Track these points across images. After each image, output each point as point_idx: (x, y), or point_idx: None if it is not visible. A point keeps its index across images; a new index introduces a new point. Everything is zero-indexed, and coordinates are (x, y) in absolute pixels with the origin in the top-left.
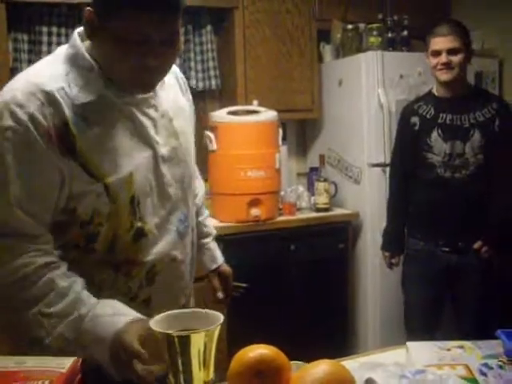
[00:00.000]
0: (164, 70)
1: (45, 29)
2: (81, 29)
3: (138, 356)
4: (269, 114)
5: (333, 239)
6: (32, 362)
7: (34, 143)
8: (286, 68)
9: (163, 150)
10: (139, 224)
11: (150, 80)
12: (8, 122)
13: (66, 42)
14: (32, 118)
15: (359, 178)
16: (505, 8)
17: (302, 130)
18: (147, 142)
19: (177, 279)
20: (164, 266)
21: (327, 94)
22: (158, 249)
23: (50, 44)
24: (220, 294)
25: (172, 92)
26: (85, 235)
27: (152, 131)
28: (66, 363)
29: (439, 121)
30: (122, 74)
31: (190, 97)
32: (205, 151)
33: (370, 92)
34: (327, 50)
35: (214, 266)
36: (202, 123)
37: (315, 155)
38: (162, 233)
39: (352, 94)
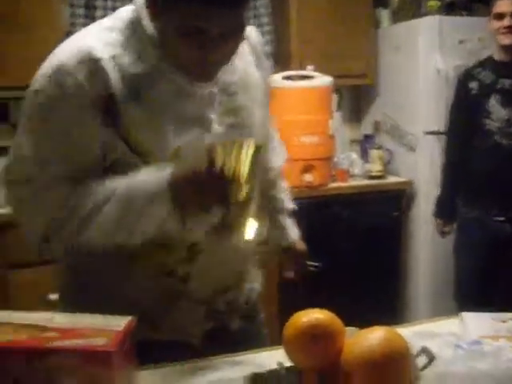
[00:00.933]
0: (223, 63)
1: None
2: (136, 10)
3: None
4: (323, 80)
5: (386, 207)
6: (88, 321)
7: (79, 110)
8: (342, 33)
9: (217, 127)
10: None
11: (208, 72)
12: (54, 88)
13: (122, 6)
14: (79, 86)
15: (414, 145)
16: None
17: (356, 96)
18: (199, 119)
19: (221, 264)
20: (207, 247)
21: (383, 60)
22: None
23: (105, 8)
24: (288, 273)
25: (242, 63)
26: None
27: (206, 108)
28: (121, 322)
29: (498, 86)
30: (181, 61)
31: (267, 64)
32: None
33: (428, 58)
34: (384, 15)
35: (286, 244)
36: None
37: (369, 122)
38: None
39: (408, 60)
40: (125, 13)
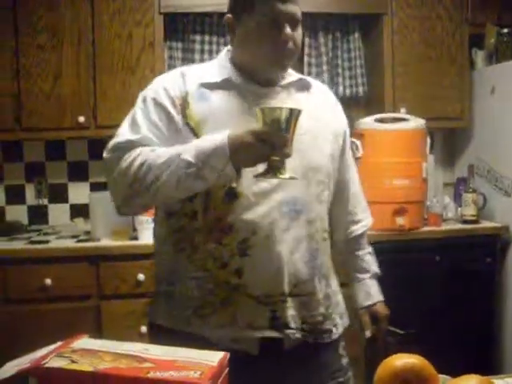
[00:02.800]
0: (296, 51)
1: (198, 37)
2: (228, 49)
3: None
4: (417, 122)
5: (480, 252)
6: (183, 354)
7: (161, 104)
8: (435, 75)
9: None
10: (233, 184)
11: (287, 58)
12: (149, 91)
13: (217, 49)
14: (165, 89)
15: (510, 189)
16: None
17: (449, 138)
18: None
19: (272, 261)
20: (257, 242)
21: (478, 102)
22: (250, 217)
23: (202, 52)
24: (367, 333)
25: (313, 99)
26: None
27: None
28: (215, 357)
29: None
30: (263, 57)
31: (339, 109)
32: None
33: None
34: (479, 56)
35: (367, 303)
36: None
37: (463, 165)
38: (259, 204)
39: (504, 102)
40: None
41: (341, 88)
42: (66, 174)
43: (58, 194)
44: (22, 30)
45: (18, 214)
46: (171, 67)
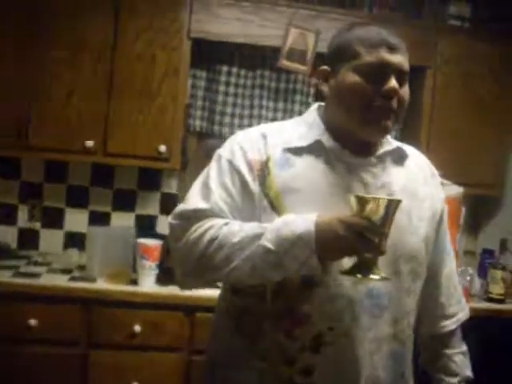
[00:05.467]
0: (401, 111)
1: (225, 68)
2: (319, 104)
3: (361, 222)
4: (453, 190)
5: (505, 335)
6: None
7: (237, 168)
8: (473, 141)
9: None
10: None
11: (389, 118)
12: (224, 151)
13: (244, 83)
14: (243, 150)
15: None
16: None
17: (476, 204)
18: (344, 198)
19: (348, 362)
20: (334, 338)
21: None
22: (328, 309)
23: (227, 84)
24: None
25: (407, 174)
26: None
27: (357, 191)
28: None
29: None
30: (361, 118)
31: (437, 194)
32: None
33: None
34: None
35: None
36: None
37: (490, 235)
38: (340, 296)
39: None
40: (300, 119)
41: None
42: (64, 198)
43: (53, 219)
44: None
45: (7, 235)
46: (194, 97)
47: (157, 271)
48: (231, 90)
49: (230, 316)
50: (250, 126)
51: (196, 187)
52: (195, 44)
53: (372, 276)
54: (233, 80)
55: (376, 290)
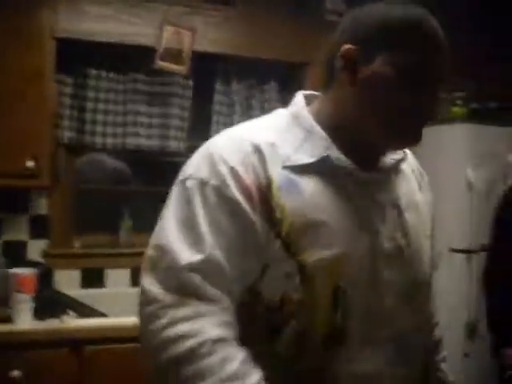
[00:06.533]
0: (432, 120)
1: (93, 71)
2: (306, 92)
3: None
4: None
5: None
6: None
7: (231, 198)
8: None
9: (386, 244)
10: (339, 322)
11: (420, 129)
12: (205, 174)
13: (117, 88)
14: (234, 171)
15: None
16: None
17: None
18: (366, 226)
19: None
20: None
21: None
22: (353, 368)
23: (97, 89)
24: None
25: (405, 183)
26: (270, 325)
27: (376, 217)
28: None
29: None
30: (389, 124)
31: (429, 198)
32: None
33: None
34: None
35: None
36: None
37: None
38: (364, 350)
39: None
40: (284, 110)
41: None
42: None
43: None
44: None
45: None
46: (61, 105)
47: (33, 304)
48: (101, 95)
49: None
50: (125, 134)
51: (176, 229)
52: (60, 45)
53: None
54: (103, 84)
55: (398, 336)
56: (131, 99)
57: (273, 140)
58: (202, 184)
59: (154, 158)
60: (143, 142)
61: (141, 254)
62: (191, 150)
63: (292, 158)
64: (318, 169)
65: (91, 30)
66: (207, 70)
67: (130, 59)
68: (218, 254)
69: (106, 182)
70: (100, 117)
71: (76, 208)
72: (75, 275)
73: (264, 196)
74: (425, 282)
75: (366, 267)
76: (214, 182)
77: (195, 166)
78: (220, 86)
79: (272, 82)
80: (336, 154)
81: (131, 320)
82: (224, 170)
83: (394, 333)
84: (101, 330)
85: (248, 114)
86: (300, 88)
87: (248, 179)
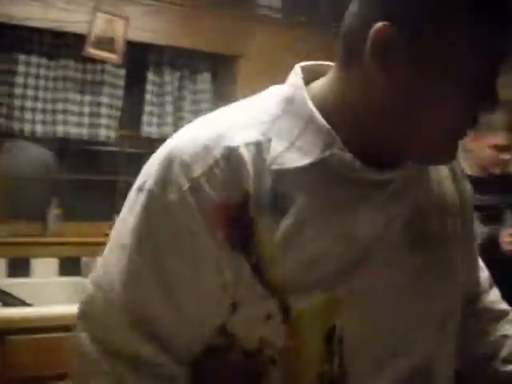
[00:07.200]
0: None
1: (23, 57)
2: (307, 64)
3: None
4: None
5: None
6: None
7: (189, 224)
8: None
9: (405, 264)
10: (336, 370)
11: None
12: (157, 185)
13: (47, 75)
14: (194, 185)
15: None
16: None
17: None
18: (377, 243)
19: None
20: None
21: None
22: None
23: (26, 75)
24: None
25: (436, 174)
26: (246, 373)
27: (386, 229)
28: None
29: None
30: (427, 136)
31: (463, 177)
32: None
33: None
34: None
35: None
36: None
37: None
38: None
39: None
40: (281, 89)
41: None
42: None
43: None
44: None
45: None
46: None
47: None
48: (31, 81)
49: None
50: (54, 122)
51: (123, 276)
52: None
53: None
54: (33, 71)
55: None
56: (62, 86)
57: (255, 137)
58: (150, 198)
59: (84, 146)
60: (73, 131)
61: (69, 244)
62: (122, 139)
63: (281, 159)
64: (317, 174)
65: (21, 14)
66: (140, 60)
67: (61, 46)
68: (197, 315)
69: (30, 170)
70: (29, 103)
71: (2, 196)
72: (1, 264)
73: (237, 218)
74: (458, 304)
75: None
76: (183, 213)
77: (148, 173)
78: (152, 75)
79: (204, 73)
80: (342, 153)
81: (56, 309)
82: (184, 184)
83: (405, 369)
84: (24, 319)
85: (179, 104)
86: (232, 80)
87: (215, 196)
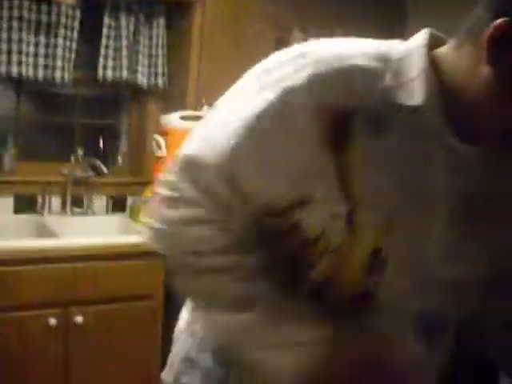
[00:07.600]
0: None
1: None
2: (434, 33)
3: None
4: None
5: None
6: None
7: (297, 115)
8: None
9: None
10: (372, 286)
11: None
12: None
13: (1, 15)
14: (310, 87)
15: None
16: None
17: None
18: (438, 203)
19: None
20: None
21: None
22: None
23: None
24: None
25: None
26: (297, 261)
27: (448, 195)
28: None
29: None
30: None
31: None
32: (151, 155)
33: None
34: None
35: None
36: (144, 123)
37: None
38: (393, 318)
39: None
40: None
41: (139, 77)
42: None
43: None
44: None
45: None
46: None
47: None
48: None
49: None
50: (9, 62)
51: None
52: None
53: None
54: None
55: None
56: (16, 27)
57: (378, 66)
58: (286, 103)
59: (40, 87)
60: (28, 72)
61: (25, 183)
62: (77, 81)
63: (391, 93)
64: (412, 119)
65: None
66: (96, 3)
67: None
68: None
69: None
70: None
71: None
72: None
73: (338, 126)
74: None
75: (422, 247)
76: (286, 97)
77: (280, 76)
78: (108, 19)
79: (160, 18)
80: (438, 109)
81: (11, 244)
82: (304, 87)
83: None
84: None
85: (135, 48)
86: (187, 25)
87: (326, 98)
